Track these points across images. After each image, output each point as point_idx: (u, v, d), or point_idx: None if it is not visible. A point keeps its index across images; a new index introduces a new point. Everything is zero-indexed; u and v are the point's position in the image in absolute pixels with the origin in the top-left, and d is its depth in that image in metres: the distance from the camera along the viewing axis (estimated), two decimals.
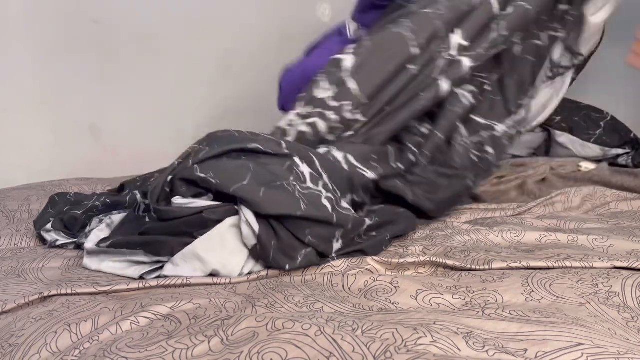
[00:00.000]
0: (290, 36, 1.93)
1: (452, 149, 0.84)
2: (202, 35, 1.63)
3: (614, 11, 1.08)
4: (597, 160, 1.42)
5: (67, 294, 0.52)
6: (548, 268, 0.55)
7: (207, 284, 0.55)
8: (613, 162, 1.42)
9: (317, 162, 0.66)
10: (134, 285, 0.53)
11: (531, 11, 0.85)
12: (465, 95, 0.85)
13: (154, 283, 0.54)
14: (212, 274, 0.56)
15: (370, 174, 0.73)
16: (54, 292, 0.52)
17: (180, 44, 1.57)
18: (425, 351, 0.38)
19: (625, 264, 0.55)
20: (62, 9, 1.30)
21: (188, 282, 0.54)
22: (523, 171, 1.26)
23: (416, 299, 0.50)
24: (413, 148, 0.81)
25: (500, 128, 0.88)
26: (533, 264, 0.56)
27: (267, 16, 1.84)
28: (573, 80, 1.15)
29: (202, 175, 0.58)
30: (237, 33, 1.74)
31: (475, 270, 0.57)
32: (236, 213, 0.58)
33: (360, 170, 0.72)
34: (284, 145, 0.65)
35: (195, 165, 0.60)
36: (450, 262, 0.58)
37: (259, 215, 0.56)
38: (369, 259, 0.59)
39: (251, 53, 1.79)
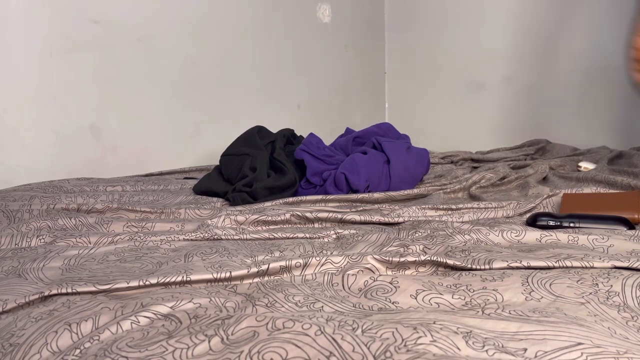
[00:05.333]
0: (290, 36, 1.93)
1: None
2: (202, 35, 1.63)
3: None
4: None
5: (67, 293, 0.52)
6: (548, 268, 0.56)
7: (207, 281, 0.55)
8: None
9: None
10: (134, 283, 0.53)
11: None
12: None
13: (153, 281, 0.54)
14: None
15: None
16: (54, 292, 0.52)
17: (180, 44, 1.58)
18: (425, 350, 0.38)
19: (625, 264, 0.55)
20: (62, 9, 1.30)
21: (188, 280, 0.55)
22: (523, 171, 1.27)
23: (416, 299, 0.50)
24: None
25: None
26: (533, 263, 0.56)
27: (267, 16, 1.85)
28: None
29: None
30: (237, 33, 1.74)
31: (476, 270, 0.57)
32: None
33: None
34: None
35: None
36: (450, 262, 0.58)
37: None
38: (369, 257, 0.60)
39: (251, 53, 1.79)
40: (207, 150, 1.62)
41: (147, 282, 0.54)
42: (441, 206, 0.90)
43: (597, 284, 0.51)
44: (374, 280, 0.54)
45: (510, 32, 2.05)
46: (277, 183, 1.05)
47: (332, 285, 0.54)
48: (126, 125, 1.45)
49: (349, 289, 0.53)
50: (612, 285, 0.50)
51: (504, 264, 0.57)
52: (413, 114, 2.34)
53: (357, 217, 0.83)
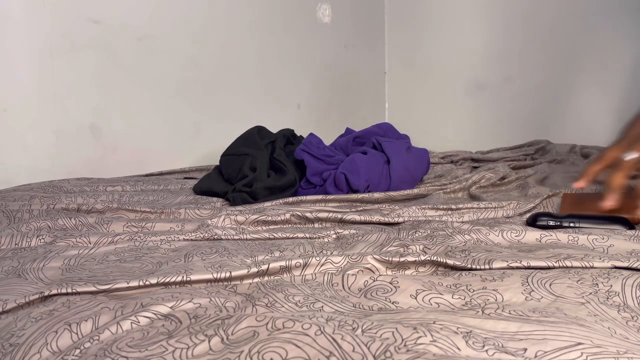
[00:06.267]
0: (290, 36, 1.93)
1: None
2: (202, 35, 1.64)
3: None
4: None
5: (67, 293, 0.52)
6: (548, 268, 0.56)
7: (207, 281, 0.55)
8: None
9: None
10: (134, 283, 0.53)
11: None
12: None
13: (153, 281, 0.54)
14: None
15: None
16: (54, 292, 0.52)
17: (180, 44, 1.58)
18: (425, 350, 0.38)
19: (625, 264, 0.55)
20: (62, 9, 1.30)
21: (188, 280, 0.55)
22: (523, 171, 1.27)
23: (416, 299, 0.50)
24: None
25: None
26: (533, 263, 0.56)
27: (267, 16, 1.85)
28: None
29: None
30: (237, 33, 1.74)
31: (476, 269, 0.57)
32: None
33: None
34: None
35: None
36: (450, 262, 0.58)
37: None
38: (369, 257, 0.60)
39: (251, 53, 1.80)
40: (207, 150, 1.62)
41: (147, 282, 0.54)
42: (441, 206, 0.90)
43: (597, 284, 0.51)
44: (374, 280, 0.54)
45: (510, 32, 2.05)
46: (277, 183, 1.05)
47: (332, 285, 0.54)
48: (126, 125, 1.45)
49: (349, 289, 0.53)
50: (612, 285, 0.50)
51: (504, 264, 0.57)
52: (413, 114, 2.34)
53: (357, 217, 0.83)
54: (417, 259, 0.59)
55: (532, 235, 0.68)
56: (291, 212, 0.85)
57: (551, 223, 0.75)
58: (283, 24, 1.91)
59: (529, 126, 2.01)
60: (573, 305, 0.47)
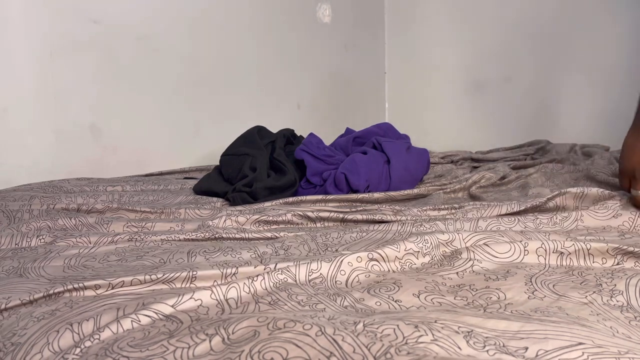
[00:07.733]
0: (290, 36, 1.93)
1: None
2: (202, 35, 1.63)
3: None
4: None
5: (70, 290, 0.52)
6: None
7: (210, 278, 0.55)
8: None
9: None
10: (137, 281, 0.53)
11: None
12: None
13: (159, 276, 0.54)
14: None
15: None
16: (58, 289, 0.52)
17: (180, 44, 1.58)
18: (426, 349, 0.38)
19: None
20: (62, 9, 1.30)
21: (193, 276, 0.54)
22: (524, 171, 1.27)
23: (418, 297, 0.50)
24: None
25: None
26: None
27: (267, 16, 1.85)
28: None
29: None
30: (237, 33, 1.74)
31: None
32: None
33: None
34: None
35: None
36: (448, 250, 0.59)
37: None
38: (370, 255, 0.59)
39: (251, 53, 1.79)
40: (207, 150, 1.62)
41: (153, 278, 0.53)
42: (442, 206, 0.90)
43: (600, 284, 0.51)
44: (378, 278, 0.54)
45: (510, 32, 2.05)
46: (277, 183, 1.05)
47: (335, 283, 0.54)
48: (126, 125, 1.45)
49: (352, 287, 0.53)
50: (615, 285, 0.50)
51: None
52: (413, 114, 2.34)
53: (359, 217, 0.83)
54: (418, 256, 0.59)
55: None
56: (292, 212, 0.85)
57: None
58: (283, 24, 1.91)
59: (529, 126, 2.01)
60: (575, 304, 0.47)
